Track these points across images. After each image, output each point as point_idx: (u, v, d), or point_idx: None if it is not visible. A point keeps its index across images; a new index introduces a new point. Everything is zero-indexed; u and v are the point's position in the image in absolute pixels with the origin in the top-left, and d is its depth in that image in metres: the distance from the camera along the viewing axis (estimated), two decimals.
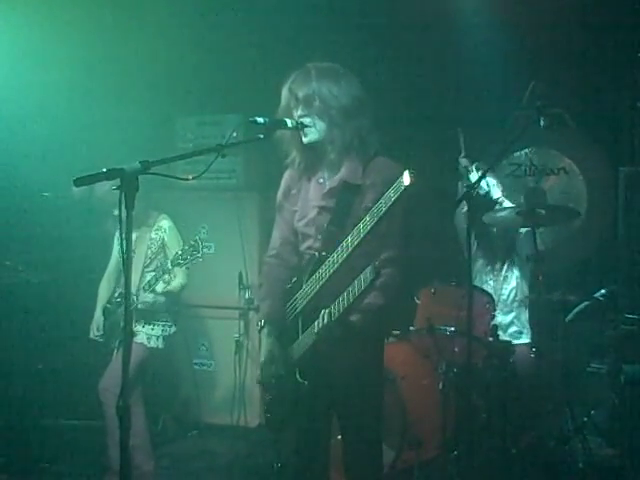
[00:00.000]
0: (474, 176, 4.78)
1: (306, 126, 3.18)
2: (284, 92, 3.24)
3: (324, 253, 3.14)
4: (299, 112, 3.19)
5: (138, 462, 4.72)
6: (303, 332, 3.20)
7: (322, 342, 3.10)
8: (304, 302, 3.21)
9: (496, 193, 4.90)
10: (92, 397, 4.75)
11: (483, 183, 4.88)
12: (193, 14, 5.64)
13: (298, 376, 3.18)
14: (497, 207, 4.84)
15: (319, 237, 3.24)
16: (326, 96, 3.15)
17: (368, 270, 2.86)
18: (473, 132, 5.51)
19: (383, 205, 2.80)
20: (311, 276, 3.17)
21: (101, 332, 4.94)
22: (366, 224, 2.88)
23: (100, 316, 4.99)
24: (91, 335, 4.97)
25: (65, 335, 5.62)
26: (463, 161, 4.95)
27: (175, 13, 5.59)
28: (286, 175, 3.45)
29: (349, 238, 2.96)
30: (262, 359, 3.35)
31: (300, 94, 3.18)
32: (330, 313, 3.01)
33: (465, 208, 3.66)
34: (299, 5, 5.43)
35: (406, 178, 2.72)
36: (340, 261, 3.00)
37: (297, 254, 3.38)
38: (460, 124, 5.20)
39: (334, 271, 3.04)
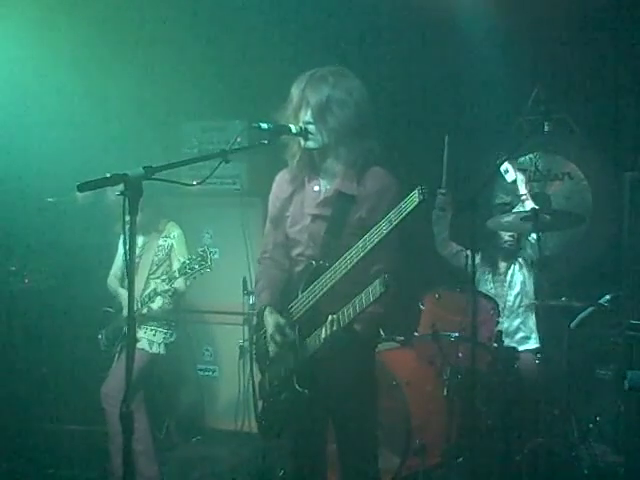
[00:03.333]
0: (510, 176, 4.77)
1: (310, 133, 3.16)
2: (296, 92, 3.19)
3: (321, 262, 3.12)
4: (307, 118, 3.16)
5: (141, 468, 4.72)
6: (301, 340, 3.17)
7: (328, 349, 3.07)
8: (302, 311, 3.18)
9: (521, 189, 4.89)
10: (97, 402, 4.75)
11: (511, 173, 4.85)
12: (198, 20, 5.65)
13: (296, 384, 3.14)
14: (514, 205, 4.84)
15: (311, 244, 3.24)
16: (338, 110, 3.12)
17: (377, 283, 2.82)
18: (477, 137, 5.53)
19: (394, 219, 2.78)
20: (308, 285, 3.14)
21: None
22: (373, 238, 2.85)
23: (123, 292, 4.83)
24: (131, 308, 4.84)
25: (70, 340, 5.63)
26: (440, 198, 4.95)
27: (180, 19, 5.60)
28: (278, 179, 3.44)
29: (353, 251, 2.93)
30: (269, 332, 3.25)
31: (312, 100, 3.14)
32: (338, 320, 2.98)
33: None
34: (304, 12, 5.44)
35: (418, 195, 2.69)
36: (343, 273, 2.97)
37: (289, 258, 3.37)
38: (464, 129, 5.20)
39: (335, 283, 3.01)
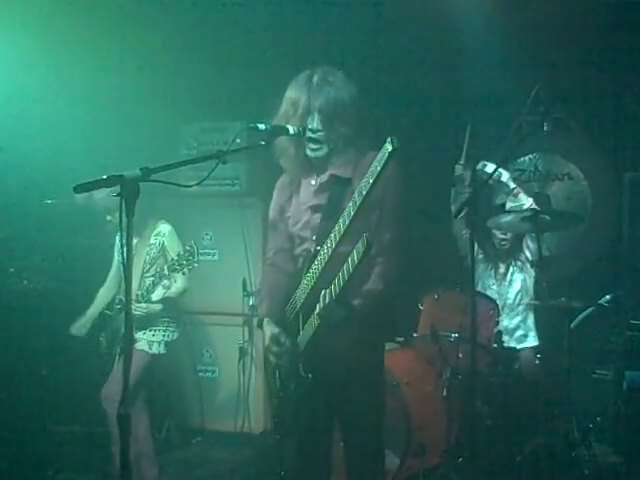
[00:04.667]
0: (489, 168, 4.74)
1: (318, 141, 3.17)
2: (302, 99, 3.16)
3: (318, 248, 3.13)
4: (315, 125, 3.15)
5: (142, 469, 4.72)
6: (304, 327, 3.18)
7: (324, 325, 3.06)
8: (303, 298, 3.20)
9: (511, 184, 4.86)
10: (97, 404, 4.75)
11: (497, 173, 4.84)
12: (196, 21, 5.64)
13: (301, 370, 3.16)
14: (509, 201, 4.82)
15: (314, 238, 3.23)
16: (345, 116, 3.13)
17: (360, 243, 2.83)
18: (476, 137, 5.51)
19: (370, 177, 2.79)
20: (307, 271, 3.16)
21: (83, 333, 4.92)
22: (355, 202, 2.86)
23: (89, 320, 4.95)
24: (72, 331, 4.94)
25: (69, 341, 5.61)
26: (458, 168, 4.92)
27: (178, 20, 5.59)
28: (277, 185, 3.45)
29: (340, 220, 2.94)
30: (266, 344, 3.31)
31: (320, 107, 3.13)
32: (330, 292, 2.98)
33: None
34: (301, 12, 5.43)
35: (389, 144, 2.70)
36: (334, 246, 2.98)
37: (293, 260, 3.38)
38: (463, 129, 5.18)
39: (329, 258, 3.02)
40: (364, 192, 2.81)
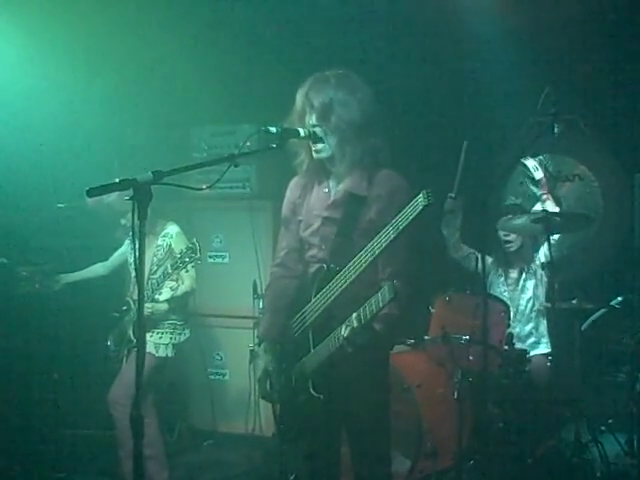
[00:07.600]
0: (539, 174, 4.74)
1: (318, 137, 3.17)
2: (300, 97, 3.22)
3: (332, 265, 3.12)
4: (312, 121, 3.18)
5: (152, 473, 4.72)
6: (315, 345, 3.17)
7: (346, 349, 3.04)
8: (314, 316, 3.18)
9: (544, 188, 4.82)
10: (108, 407, 4.76)
11: (540, 171, 4.82)
12: (207, 23, 5.66)
13: (312, 390, 3.14)
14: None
15: (323, 247, 3.25)
16: (341, 110, 3.13)
17: (386, 289, 2.82)
18: (487, 139, 5.52)
19: (401, 224, 2.78)
20: (320, 289, 3.15)
21: (54, 288, 5.35)
22: (381, 242, 2.85)
23: (69, 280, 5.37)
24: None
25: (81, 345, 5.64)
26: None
27: (189, 22, 5.61)
28: (291, 184, 3.45)
29: (362, 255, 2.93)
30: (258, 375, 3.40)
31: (316, 102, 3.16)
32: (359, 317, 2.96)
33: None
34: (313, 15, 5.44)
35: (423, 199, 2.69)
36: (353, 277, 2.98)
37: (302, 262, 3.38)
38: (474, 131, 5.18)
39: (347, 286, 3.01)
40: (392, 236, 2.81)
